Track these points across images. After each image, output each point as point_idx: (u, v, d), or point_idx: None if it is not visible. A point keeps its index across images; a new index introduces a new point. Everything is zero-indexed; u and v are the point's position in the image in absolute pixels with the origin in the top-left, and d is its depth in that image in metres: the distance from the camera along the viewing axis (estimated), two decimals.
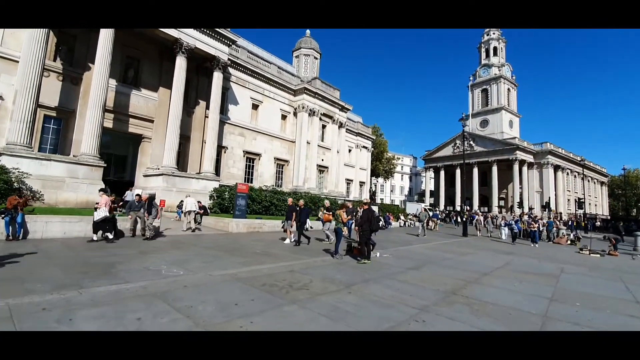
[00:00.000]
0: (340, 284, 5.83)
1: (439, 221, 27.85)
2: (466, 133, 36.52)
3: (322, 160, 29.53)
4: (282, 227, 11.13)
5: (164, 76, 19.44)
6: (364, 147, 40.45)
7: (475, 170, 52.26)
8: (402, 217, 26.10)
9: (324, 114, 29.48)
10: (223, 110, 22.93)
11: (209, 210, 16.31)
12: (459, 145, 54.75)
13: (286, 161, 27.14)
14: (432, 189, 64.55)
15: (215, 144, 20.52)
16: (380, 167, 50.22)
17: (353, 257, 8.85)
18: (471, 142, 52.59)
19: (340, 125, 31.77)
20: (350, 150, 38.21)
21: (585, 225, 32.27)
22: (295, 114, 27.89)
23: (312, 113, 27.90)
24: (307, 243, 10.85)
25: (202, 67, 21.34)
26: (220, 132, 22.21)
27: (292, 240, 11.01)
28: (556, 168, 52.29)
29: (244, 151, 23.90)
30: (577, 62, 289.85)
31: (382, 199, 74.61)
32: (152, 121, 19.12)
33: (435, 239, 16.94)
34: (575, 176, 57.14)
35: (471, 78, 61.09)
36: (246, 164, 24.32)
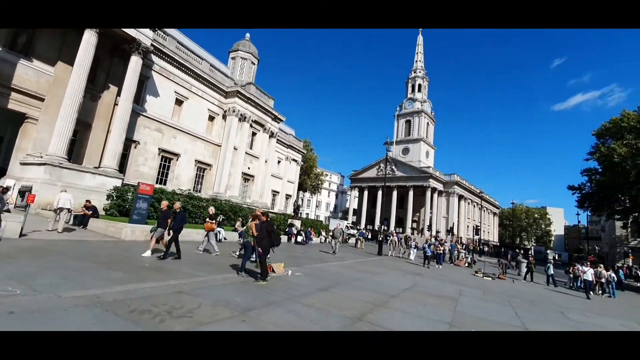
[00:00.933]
0: (235, 309, 5.01)
1: (363, 239, 28.71)
2: (389, 158, 39.09)
3: (249, 168, 28.25)
4: (150, 236, 9.04)
5: (66, 50, 16.42)
6: (293, 160, 40.25)
7: (395, 194, 56.19)
8: (323, 233, 26.16)
9: (256, 121, 28.46)
10: (139, 101, 20.40)
11: (102, 212, 13.86)
12: (382, 169, 58.44)
13: (209, 165, 25.20)
14: (356, 207, 67.38)
15: (123, 137, 17.91)
16: (308, 181, 50.59)
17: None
18: (393, 167, 56.62)
19: (272, 135, 31.04)
20: (279, 162, 37.60)
21: (479, 250, 36.64)
22: (224, 117, 26.31)
23: (242, 118, 26.66)
24: (177, 257, 8.74)
25: (119, 48, 18.72)
26: (132, 125, 19.58)
27: (154, 253, 8.76)
28: (460, 197, 59.22)
29: (160, 149, 21.42)
30: (481, 107, 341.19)
31: (307, 214, 75.10)
32: (42, 99, 15.85)
33: (352, 257, 17.11)
34: (474, 206, 65.44)
35: (398, 108, 66.54)
36: (161, 164, 21.81)
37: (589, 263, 18.98)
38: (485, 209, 68.26)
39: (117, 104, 18.36)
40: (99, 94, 18.37)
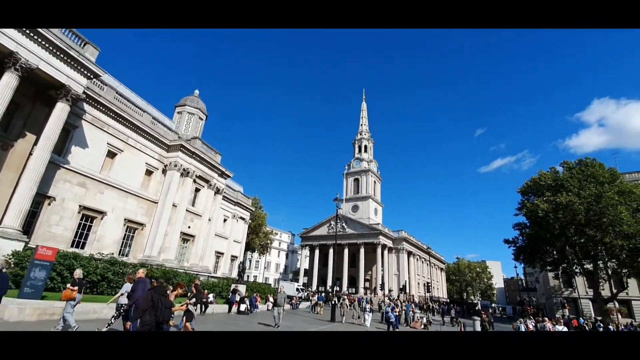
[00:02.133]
0: None
1: (322, 303, 26.63)
2: (340, 215, 38.99)
3: (189, 227, 25.73)
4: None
5: None
6: (241, 218, 38.17)
7: (346, 251, 55.35)
8: (270, 299, 23.67)
9: (200, 177, 26.83)
10: (62, 152, 18.09)
11: None
12: (333, 226, 58.10)
13: (141, 224, 22.40)
14: (307, 267, 64.69)
15: (34, 191, 15.21)
16: (257, 241, 47.94)
17: None
18: (344, 224, 56.63)
19: (218, 192, 29.35)
20: (225, 220, 35.29)
21: (432, 309, 36.09)
22: (164, 172, 24.39)
23: (185, 173, 24.94)
24: None
25: (44, 93, 16.90)
26: (49, 178, 16.99)
27: None
28: (409, 254, 60.19)
29: (81, 206, 18.59)
30: (423, 170, 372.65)
31: (255, 277, 70.08)
32: None
33: (301, 326, 15.21)
34: (422, 262, 66.72)
35: (347, 167, 69.19)
36: (80, 223, 18.75)
37: (532, 317, 19.32)
38: (433, 264, 69.91)
39: (32, 154, 15.93)
40: (12, 142, 15.91)
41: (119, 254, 20.61)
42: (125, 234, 21.36)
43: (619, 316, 34.44)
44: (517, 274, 52.68)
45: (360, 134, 71.91)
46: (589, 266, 35.32)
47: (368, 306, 18.28)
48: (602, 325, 25.76)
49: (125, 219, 21.19)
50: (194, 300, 9.23)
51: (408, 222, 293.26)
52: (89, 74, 17.56)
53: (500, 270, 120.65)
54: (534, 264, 39.93)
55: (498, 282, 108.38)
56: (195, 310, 9.42)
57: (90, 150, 19.36)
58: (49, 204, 17.22)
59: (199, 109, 29.35)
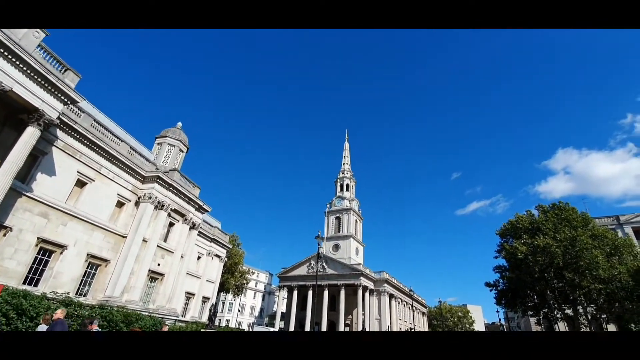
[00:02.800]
0: None
1: None
2: (320, 254, 37.81)
3: (159, 265, 23.94)
4: None
5: None
6: (216, 255, 36.22)
7: (326, 293, 53.08)
8: None
9: (176, 210, 25.58)
10: (26, 179, 16.82)
11: None
12: (313, 266, 56.18)
13: (105, 260, 20.59)
14: (284, 310, 61.22)
15: None
16: (232, 281, 45.30)
17: None
18: (324, 264, 54.90)
19: (193, 226, 27.93)
20: (199, 257, 33.34)
21: None
22: (137, 204, 23.10)
23: (160, 206, 23.71)
24: None
25: (14, 117, 16.06)
26: (8, 206, 15.58)
27: None
28: (391, 296, 58.40)
29: (39, 238, 16.92)
30: (403, 211, 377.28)
31: (227, 320, 65.46)
32: None
33: None
34: (404, 305, 64.74)
35: (328, 205, 68.79)
36: (37, 258, 16.96)
37: None
38: (415, 308, 67.95)
39: None
40: None
41: (77, 294, 18.63)
42: (85, 271, 19.47)
43: None
44: (500, 319, 51.71)
45: (342, 173, 72.69)
46: (569, 311, 35.15)
47: None
48: None
49: (88, 254, 19.44)
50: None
51: (389, 264, 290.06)
52: (66, 100, 16.97)
53: (481, 315, 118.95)
54: (516, 309, 39.37)
55: (479, 327, 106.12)
56: None
57: (58, 178, 18.13)
58: (4, 235, 15.59)
59: (180, 141, 28.79)
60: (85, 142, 19.64)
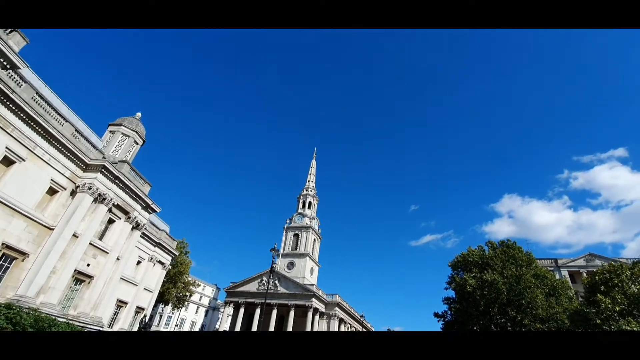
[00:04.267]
0: None
1: None
2: (274, 270, 36.05)
3: (89, 265, 21.05)
4: None
5: None
6: (159, 262, 33.13)
7: (274, 313, 50.66)
8: None
9: (118, 206, 23.01)
10: None
11: None
12: (264, 282, 53.71)
13: (23, 254, 17.60)
14: (228, 328, 57.36)
15: None
16: (174, 292, 41.68)
17: None
18: (276, 282, 52.71)
19: (137, 227, 25.28)
20: (139, 262, 30.22)
21: None
22: (73, 194, 20.41)
23: (100, 199, 21.15)
24: None
25: None
26: None
27: None
28: (340, 321, 57.16)
29: None
30: (357, 235, 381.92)
31: None
32: None
33: None
34: (354, 330, 63.59)
35: (288, 221, 67.16)
36: None
37: None
38: None
39: None
40: None
41: None
42: None
43: None
44: None
45: (307, 190, 71.95)
46: None
47: None
48: None
49: (2, 244, 16.47)
50: None
51: (341, 286, 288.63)
52: (5, 63, 14.77)
53: None
54: None
55: None
56: None
57: None
58: None
59: (136, 132, 26.43)
60: (21, 115, 17.12)
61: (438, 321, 40.59)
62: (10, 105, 16.56)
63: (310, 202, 69.79)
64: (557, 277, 39.80)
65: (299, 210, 68.75)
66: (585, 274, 43.57)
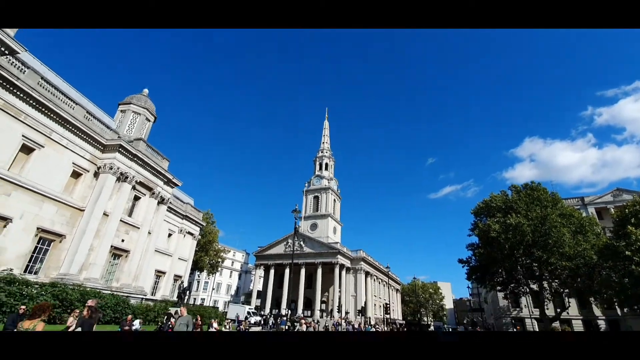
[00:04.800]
0: None
1: (285, 328, 23.93)
2: (298, 233, 37.10)
3: (123, 241, 22.22)
4: None
5: None
6: (189, 233, 34.60)
7: (303, 272, 52.96)
8: (214, 325, 20.61)
9: (141, 183, 23.65)
10: None
11: None
12: (290, 244, 55.65)
13: (60, 235, 18.69)
14: (261, 289, 60.87)
15: None
16: (206, 259, 43.97)
17: None
18: (301, 243, 54.47)
19: (162, 201, 26.12)
20: (170, 235, 31.65)
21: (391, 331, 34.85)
22: (97, 175, 21.03)
23: (123, 178, 21.75)
24: None
25: None
26: None
27: None
28: (367, 274, 59.27)
29: None
30: (378, 192, 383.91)
31: (203, 299, 64.46)
32: None
33: None
34: (379, 282, 66.12)
35: (306, 184, 67.79)
36: None
37: None
38: (390, 285, 69.66)
39: None
40: None
41: (26, 271, 16.80)
42: (36, 247, 17.56)
43: None
44: (471, 295, 53.90)
45: (322, 152, 71.52)
46: (535, 286, 36.85)
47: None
48: None
49: (38, 228, 17.47)
50: (79, 329, 6.60)
51: (365, 243, 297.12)
52: (2, 49, 14.55)
53: (450, 291, 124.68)
54: (485, 284, 40.81)
55: (448, 303, 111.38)
56: None
57: None
58: None
59: (146, 109, 26.38)
60: (31, 101, 17.23)
61: (463, 267, 41.18)
62: (18, 93, 16.63)
63: (326, 164, 69.63)
64: (584, 215, 38.79)
65: (317, 173, 68.94)
66: (612, 210, 42.35)
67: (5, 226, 15.95)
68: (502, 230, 33.33)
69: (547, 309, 36.36)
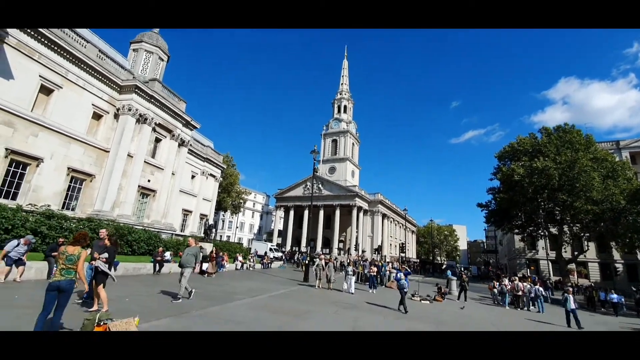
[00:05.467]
0: None
1: (306, 262, 25.45)
2: (316, 176, 37.39)
3: (149, 181, 23.14)
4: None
5: None
6: (211, 175, 35.61)
7: (321, 213, 54.71)
8: (239, 258, 22.22)
9: (161, 125, 23.79)
10: None
11: None
12: (308, 187, 56.80)
13: (90, 175, 19.59)
14: (281, 228, 64.01)
15: None
16: (229, 200, 45.87)
17: None
18: (320, 186, 55.41)
19: (182, 143, 26.47)
20: (193, 177, 32.70)
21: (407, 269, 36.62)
22: (117, 117, 21.19)
23: (142, 120, 21.86)
24: None
25: None
26: None
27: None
28: (384, 216, 60.65)
29: (8, 150, 15.48)
30: (397, 134, 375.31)
31: (228, 236, 68.90)
32: None
33: (270, 289, 13.89)
34: (395, 224, 67.83)
35: (325, 128, 66.70)
36: (9, 170, 15.76)
37: (515, 278, 19.16)
38: (406, 227, 71.49)
39: None
40: None
41: (64, 208, 18.03)
42: (69, 185, 18.57)
43: (576, 276, 36.56)
44: (486, 237, 54.79)
45: (340, 94, 68.85)
46: (554, 230, 36.73)
47: (351, 269, 15.31)
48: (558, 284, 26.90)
49: (69, 168, 18.29)
50: (105, 255, 7.00)
51: (382, 186, 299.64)
52: None
53: (465, 234, 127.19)
54: (504, 227, 40.98)
55: (462, 245, 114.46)
56: (112, 270, 7.31)
57: (17, 83, 15.87)
58: None
59: (158, 47, 25.43)
60: (44, 40, 16.80)
61: (482, 210, 41.24)
62: (30, 31, 16.17)
63: (345, 106, 67.42)
64: (617, 159, 36.64)
65: (335, 116, 67.26)
66: None
67: (38, 165, 16.75)
68: (526, 174, 32.31)
69: (565, 251, 36.59)
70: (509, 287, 17.16)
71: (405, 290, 10.90)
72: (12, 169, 15.89)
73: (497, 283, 18.45)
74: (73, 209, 18.77)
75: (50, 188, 17.35)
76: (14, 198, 15.78)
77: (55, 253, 7.80)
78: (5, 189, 15.63)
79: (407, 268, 10.36)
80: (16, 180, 16.12)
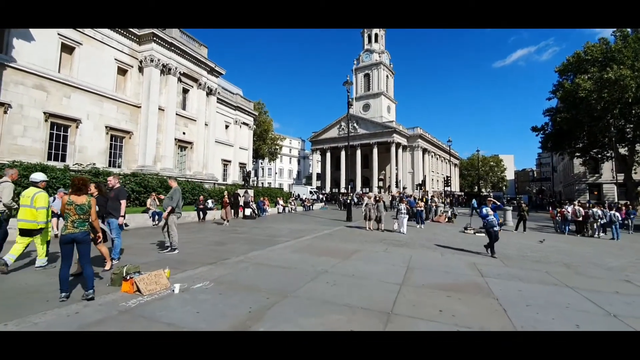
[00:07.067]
0: None
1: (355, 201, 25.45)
2: (350, 114, 35.48)
3: (184, 134, 23.18)
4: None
5: None
6: (244, 123, 35.19)
7: (358, 153, 53.44)
8: (280, 202, 22.42)
9: (186, 75, 23.00)
10: (2, 47, 14.49)
11: None
12: (343, 127, 54.99)
13: (127, 132, 19.87)
14: (319, 171, 64.24)
15: None
16: (265, 147, 45.96)
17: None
18: (355, 125, 53.29)
19: (210, 92, 25.76)
20: (227, 127, 32.50)
21: (452, 202, 35.49)
22: (141, 70, 20.65)
23: (166, 70, 21.16)
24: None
25: None
26: None
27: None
28: (424, 151, 57.98)
29: (46, 113, 15.79)
30: (434, 64, 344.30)
31: (269, 183, 70.99)
32: None
33: (313, 229, 13.67)
34: (437, 158, 64.97)
35: (355, 62, 61.99)
36: (52, 133, 16.28)
37: (575, 203, 17.41)
38: (448, 161, 68.30)
39: None
40: None
41: (110, 165, 18.74)
42: (111, 144, 19.05)
43: None
44: (537, 165, 50.63)
45: None
46: (623, 150, 32.58)
47: (403, 206, 13.48)
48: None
49: (106, 127, 18.57)
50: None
51: (421, 119, 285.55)
52: None
53: (513, 164, 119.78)
54: (563, 150, 37.10)
55: (510, 175, 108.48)
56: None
57: (38, 44, 15.57)
58: (5, 112, 14.47)
59: None
60: None
61: (537, 135, 37.32)
62: None
63: (376, 35, 61.30)
64: None
65: (366, 47, 61.78)
66: None
67: (77, 127, 17.12)
68: (594, 88, 27.81)
69: (635, 172, 32.72)
70: (570, 212, 15.59)
71: (495, 229, 8.74)
72: (55, 132, 16.37)
73: (559, 210, 16.89)
74: (119, 166, 19.48)
75: (93, 147, 17.89)
76: (63, 160, 16.49)
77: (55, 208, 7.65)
78: (54, 151, 16.30)
79: (494, 201, 8.21)
80: (61, 142, 16.69)
